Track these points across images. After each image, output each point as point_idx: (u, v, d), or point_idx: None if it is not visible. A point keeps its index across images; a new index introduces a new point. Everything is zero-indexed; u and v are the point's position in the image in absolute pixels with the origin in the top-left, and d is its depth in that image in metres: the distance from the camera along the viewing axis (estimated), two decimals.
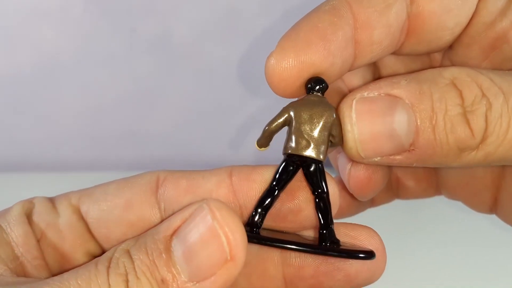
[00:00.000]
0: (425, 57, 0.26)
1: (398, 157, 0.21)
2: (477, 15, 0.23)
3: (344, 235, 0.22)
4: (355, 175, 0.25)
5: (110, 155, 0.57)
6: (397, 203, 0.51)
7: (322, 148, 0.22)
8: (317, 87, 0.22)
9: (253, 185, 0.22)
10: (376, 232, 0.23)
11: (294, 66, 0.21)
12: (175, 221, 0.19)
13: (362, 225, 0.23)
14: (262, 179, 0.22)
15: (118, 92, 0.55)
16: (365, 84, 0.22)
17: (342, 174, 0.26)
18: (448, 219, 0.46)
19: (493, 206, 0.29)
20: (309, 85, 0.22)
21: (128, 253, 0.19)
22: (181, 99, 0.56)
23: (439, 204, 0.51)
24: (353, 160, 0.23)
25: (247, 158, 0.57)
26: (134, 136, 0.56)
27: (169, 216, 0.20)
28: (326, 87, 0.22)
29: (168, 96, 0.56)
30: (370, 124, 0.21)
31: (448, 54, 0.25)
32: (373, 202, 0.31)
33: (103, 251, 0.23)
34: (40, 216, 0.23)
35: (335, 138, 0.22)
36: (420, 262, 0.41)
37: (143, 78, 0.55)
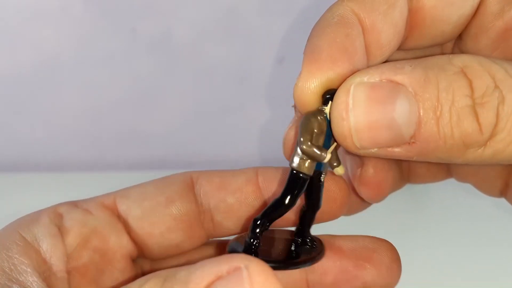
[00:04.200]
0: (436, 48, 0.25)
1: (397, 149, 0.19)
2: (484, 5, 0.22)
3: (363, 248, 0.23)
4: (365, 181, 0.25)
5: (110, 155, 0.57)
6: (400, 200, 0.51)
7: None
8: None
9: (275, 185, 0.24)
10: (392, 245, 0.23)
11: (323, 87, 0.21)
12: (209, 275, 0.17)
13: (380, 239, 0.24)
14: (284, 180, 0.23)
15: (118, 92, 0.55)
16: (367, 67, 0.21)
17: (352, 178, 0.26)
18: (455, 213, 0.46)
19: (504, 190, 0.28)
20: (327, 96, 0.21)
21: None
22: (181, 99, 0.56)
23: (445, 200, 0.51)
24: (348, 152, 0.22)
25: (247, 158, 0.57)
26: (134, 136, 0.56)
27: (198, 261, 0.19)
28: None
29: (168, 96, 0.56)
30: (368, 112, 0.19)
31: (458, 44, 0.25)
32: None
33: (141, 251, 0.24)
34: (77, 222, 0.23)
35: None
36: (426, 256, 0.41)
37: (143, 78, 0.55)
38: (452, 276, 0.39)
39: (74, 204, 0.24)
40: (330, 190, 0.24)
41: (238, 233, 0.25)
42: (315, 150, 0.20)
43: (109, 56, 0.54)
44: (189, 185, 0.25)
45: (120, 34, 0.53)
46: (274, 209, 0.21)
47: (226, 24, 0.54)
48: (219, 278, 0.17)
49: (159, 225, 0.24)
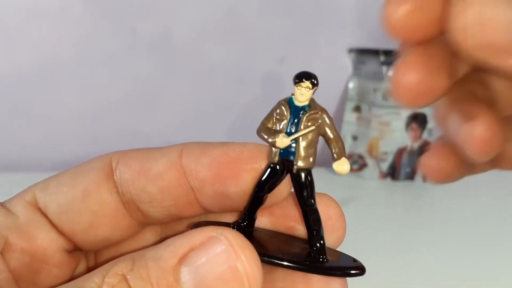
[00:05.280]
0: None
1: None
2: None
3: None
4: (478, 134, 0.21)
5: None
6: (400, 199, 0.51)
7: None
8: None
9: (200, 168, 0.21)
10: (332, 198, 0.21)
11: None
12: (182, 248, 0.17)
13: (318, 193, 0.21)
14: (210, 161, 0.21)
15: (118, 92, 0.55)
16: None
17: (458, 133, 0.23)
18: (455, 212, 0.46)
19: None
20: (296, 80, 0.20)
21: (125, 280, 0.16)
22: (181, 99, 0.56)
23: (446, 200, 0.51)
24: (456, 52, 0.18)
25: None
26: (134, 136, 0.56)
27: (168, 237, 0.18)
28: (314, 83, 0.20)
29: (168, 96, 0.56)
30: (488, 5, 0.16)
31: None
32: (473, 170, 0.29)
33: (75, 245, 0.22)
34: None
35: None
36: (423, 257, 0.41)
37: (143, 78, 0.55)
38: (452, 275, 0.39)
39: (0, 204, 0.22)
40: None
41: (169, 222, 0.23)
42: (262, 134, 0.20)
43: (109, 56, 0.54)
44: (108, 172, 0.22)
45: (120, 34, 0.53)
46: (250, 198, 0.21)
47: (226, 24, 0.54)
48: (192, 249, 0.17)
49: (79, 221, 0.21)
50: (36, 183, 0.22)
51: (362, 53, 0.55)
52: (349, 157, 0.54)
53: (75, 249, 0.22)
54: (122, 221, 0.22)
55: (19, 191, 0.23)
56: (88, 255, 0.23)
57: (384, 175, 0.55)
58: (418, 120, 0.54)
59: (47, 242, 0.21)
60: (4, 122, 0.55)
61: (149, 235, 0.23)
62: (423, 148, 0.55)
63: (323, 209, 0.21)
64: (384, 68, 0.53)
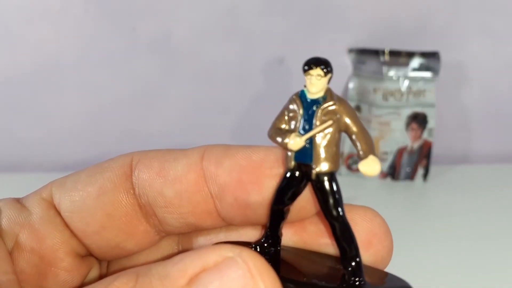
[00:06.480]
0: None
1: None
2: None
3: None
4: None
5: (110, 155, 0.57)
6: (400, 198, 0.51)
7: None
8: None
9: (220, 172, 0.19)
10: (377, 213, 0.19)
11: None
12: (193, 267, 0.15)
13: (360, 206, 0.19)
14: (231, 165, 0.19)
15: (118, 92, 0.55)
16: None
17: None
18: (454, 211, 0.46)
19: None
20: (305, 67, 0.17)
21: None
22: (181, 99, 0.57)
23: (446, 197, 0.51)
24: None
25: None
26: (134, 136, 0.56)
27: (178, 252, 0.16)
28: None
29: (168, 96, 0.56)
30: None
31: None
32: None
33: (87, 248, 0.21)
34: (11, 220, 0.20)
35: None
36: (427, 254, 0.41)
37: (143, 78, 0.55)
38: (452, 274, 0.39)
39: (15, 200, 0.21)
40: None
41: (187, 232, 0.21)
42: (274, 136, 0.17)
43: (109, 56, 0.54)
44: (126, 171, 0.20)
45: (120, 34, 0.53)
46: (269, 212, 0.18)
47: (226, 24, 0.54)
48: (204, 270, 0.15)
49: (91, 221, 0.20)
50: (55, 179, 0.21)
51: (362, 53, 0.55)
52: (349, 157, 0.54)
53: (87, 254, 0.21)
54: (137, 227, 0.20)
55: (20, 191, 0.22)
56: (102, 265, 0.22)
57: (384, 175, 0.55)
58: (418, 120, 0.54)
59: (58, 242, 0.20)
60: (4, 122, 0.55)
61: (166, 249, 0.22)
62: (423, 148, 0.55)
63: (367, 225, 0.19)
64: (384, 68, 0.53)
